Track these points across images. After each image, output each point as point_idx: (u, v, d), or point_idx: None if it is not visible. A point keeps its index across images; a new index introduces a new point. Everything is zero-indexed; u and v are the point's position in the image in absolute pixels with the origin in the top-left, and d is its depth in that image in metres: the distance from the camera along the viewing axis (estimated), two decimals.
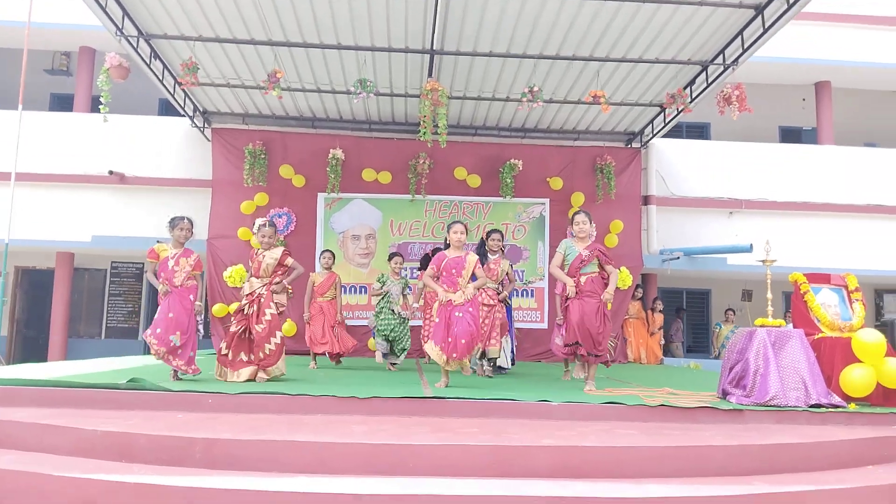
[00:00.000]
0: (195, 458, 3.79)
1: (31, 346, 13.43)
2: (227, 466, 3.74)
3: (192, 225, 6.40)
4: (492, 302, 7.26)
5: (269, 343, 6.10)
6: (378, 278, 8.45)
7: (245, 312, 6.18)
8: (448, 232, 6.26)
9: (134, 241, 11.21)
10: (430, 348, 6.03)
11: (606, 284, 6.15)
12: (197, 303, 6.31)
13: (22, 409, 4.67)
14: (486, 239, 7.60)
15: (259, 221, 6.48)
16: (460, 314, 5.99)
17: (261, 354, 6.08)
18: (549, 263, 6.39)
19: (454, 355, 5.90)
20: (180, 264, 6.22)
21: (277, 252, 6.33)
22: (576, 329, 6.07)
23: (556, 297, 7.24)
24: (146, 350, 12.87)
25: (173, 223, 6.33)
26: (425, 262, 8.56)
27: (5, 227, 9.70)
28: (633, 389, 6.10)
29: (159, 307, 6.16)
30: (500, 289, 7.51)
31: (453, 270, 6.13)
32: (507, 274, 7.65)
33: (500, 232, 7.77)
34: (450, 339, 5.92)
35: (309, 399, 4.95)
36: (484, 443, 3.91)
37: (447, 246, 6.38)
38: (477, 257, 6.32)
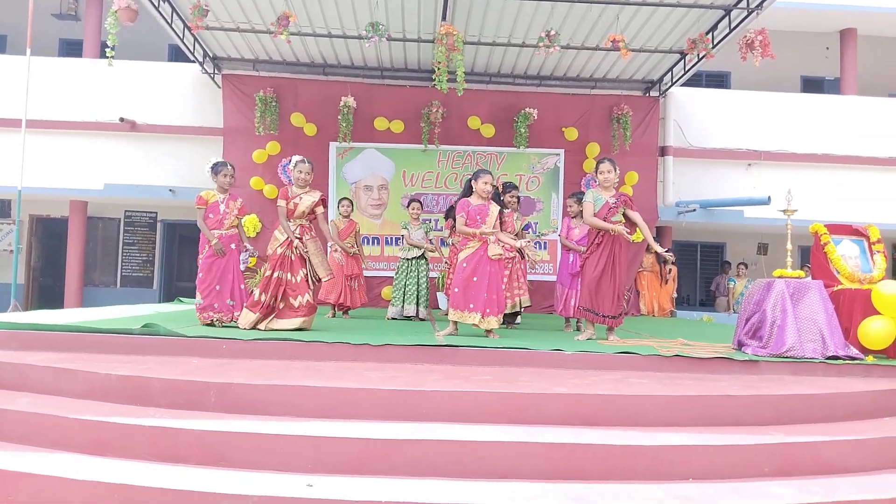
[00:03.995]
0: (210, 403, 3.81)
1: (48, 294, 13.57)
2: (241, 411, 3.76)
3: (234, 171, 6.40)
4: (510, 255, 7.23)
5: (305, 295, 5.98)
6: (402, 225, 8.41)
7: (288, 255, 6.00)
8: (476, 181, 6.14)
9: (146, 190, 11.19)
10: (458, 315, 5.95)
11: (628, 235, 6.03)
12: (248, 247, 6.42)
13: (37, 353, 4.71)
14: (503, 192, 7.48)
15: (296, 158, 6.32)
16: (492, 269, 6.00)
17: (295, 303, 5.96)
18: (584, 216, 6.23)
19: (488, 311, 5.88)
20: (230, 207, 6.24)
21: (316, 195, 6.19)
22: (596, 289, 5.97)
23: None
24: (161, 298, 13.01)
25: (216, 168, 6.32)
26: (450, 214, 8.45)
27: (18, 175, 9.68)
28: (646, 340, 6.08)
29: (207, 272, 6.12)
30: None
31: (478, 217, 6.07)
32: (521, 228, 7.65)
33: (516, 186, 7.66)
34: (485, 295, 5.89)
35: (323, 346, 4.97)
36: (497, 390, 3.90)
37: (468, 193, 6.28)
38: (499, 208, 6.26)
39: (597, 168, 6.21)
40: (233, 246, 6.23)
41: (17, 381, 4.24)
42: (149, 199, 11.75)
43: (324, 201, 6.26)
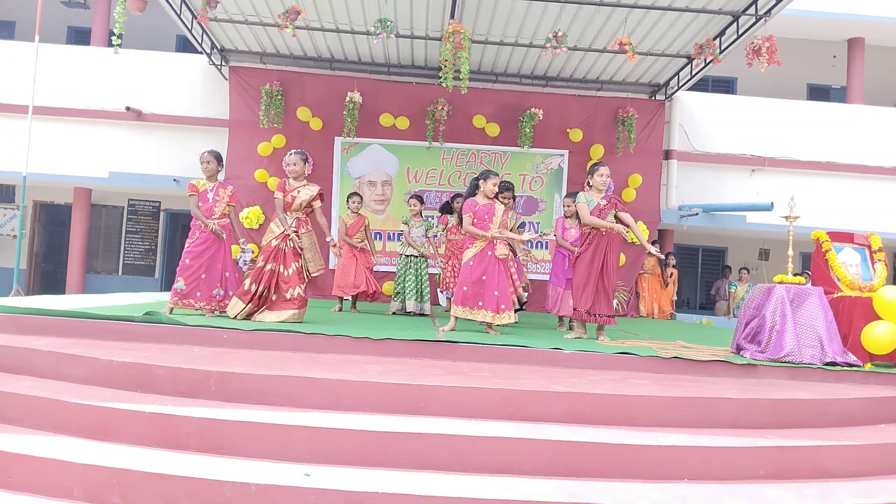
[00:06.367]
0: (210, 391, 3.84)
1: (50, 280, 13.61)
2: (241, 400, 3.79)
3: (212, 157, 6.36)
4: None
5: (297, 287, 6.00)
6: (403, 220, 8.49)
7: (282, 248, 6.02)
8: (486, 181, 6.19)
9: (150, 179, 11.21)
10: (466, 313, 5.98)
11: (625, 233, 6.01)
12: (242, 241, 6.50)
13: (40, 337, 4.73)
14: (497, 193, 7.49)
15: (291, 152, 6.31)
16: (500, 268, 6.09)
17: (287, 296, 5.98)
18: (581, 217, 6.25)
19: (503, 307, 5.97)
20: (219, 195, 6.28)
21: (314, 189, 6.19)
22: (592, 290, 6.01)
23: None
24: (163, 287, 13.04)
25: (200, 159, 6.41)
26: (445, 209, 8.46)
27: (23, 161, 9.70)
28: (645, 341, 6.10)
29: (195, 258, 6.10)
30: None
31: (486, 217, 6.13)
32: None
33: (510, 187, 7.56)
34: (496, 293, 5.95)
35: (323, 338, 4.99)
36: (496, 386, 3.93)
37: (473, 192, 6.32)
38: (504, 207, 6.36)
39: (594, 170, 6.24)
40: (224, 236, 6.21)
41: (20, 365, 4.27)
42: (153, 188, 11.77)
43: (322, 195, 6.26)
